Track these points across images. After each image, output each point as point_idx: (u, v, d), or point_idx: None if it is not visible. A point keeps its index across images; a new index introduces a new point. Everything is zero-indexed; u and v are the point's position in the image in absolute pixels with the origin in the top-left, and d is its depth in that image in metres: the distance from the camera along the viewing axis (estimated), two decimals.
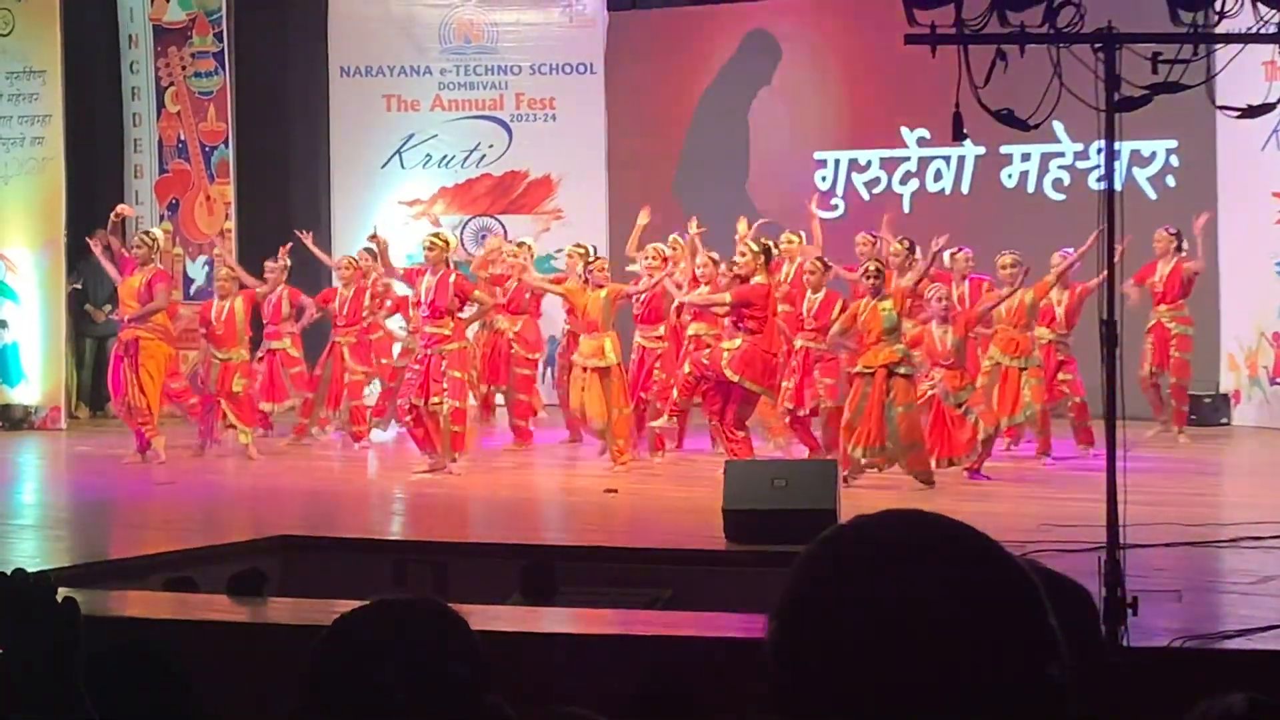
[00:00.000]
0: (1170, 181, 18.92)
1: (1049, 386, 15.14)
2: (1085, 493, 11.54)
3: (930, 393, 13.94)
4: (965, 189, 19.93)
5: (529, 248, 17.16)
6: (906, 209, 19.75)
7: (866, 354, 13.54)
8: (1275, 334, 17.68)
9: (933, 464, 13.53)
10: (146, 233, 16.52)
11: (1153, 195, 18.69)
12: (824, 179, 20.51)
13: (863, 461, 13.38)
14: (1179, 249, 16.21)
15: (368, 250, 17.03)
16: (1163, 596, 8.21)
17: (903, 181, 20.22)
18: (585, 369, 15.06)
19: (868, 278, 13.82)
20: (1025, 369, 14.67)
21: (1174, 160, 18.94)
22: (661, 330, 15.64)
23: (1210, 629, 7.71)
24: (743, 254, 14.64)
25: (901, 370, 13.39)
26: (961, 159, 19.83)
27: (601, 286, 15.24)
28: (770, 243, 15.01)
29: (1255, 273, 17.66)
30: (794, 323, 15.19)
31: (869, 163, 20.41)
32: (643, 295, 15.50)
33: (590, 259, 15.62)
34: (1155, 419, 16.42)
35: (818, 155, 20.57)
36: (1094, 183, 17.71)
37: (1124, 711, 3.91)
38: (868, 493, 12.77)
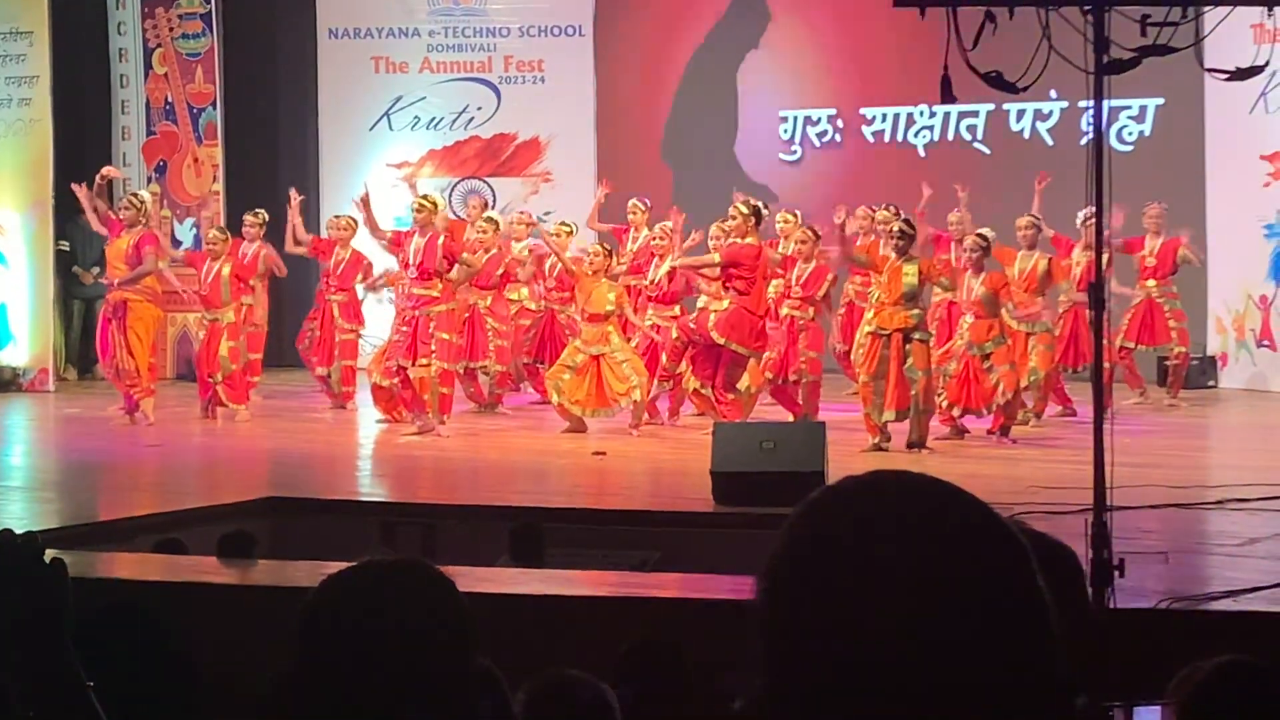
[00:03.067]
0: (1150, 136, 18.92)
1: (1074, 348, 15.24)
2: (1073, 455, 11.57)
3: (959, 344, 13.97)
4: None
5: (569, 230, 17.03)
6: (878, 168, 19.77)
7: (881, 314, 13.52)
8: (1262, 297, 17.71)
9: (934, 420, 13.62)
10: (134, 195, 16.48)
11: (1127, 148, 18.69)
12: (822, 135, 20.52)
13: (891, 422, 13.40)
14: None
15: (350, 218, 16.95)
16: (1149, 558, 8.24)
17: (880, 140, 20.23)
18: (584, 354, 14.96)
19: (893, 238, 13.75)
20: (1033, 333, 14.73)
21: (1158, 119, 18.95)
22: (676, 310, 15.56)
23: (1196, 591, 7.74)
24: (733, 216, 14.62)
25: (917, 335, 13.37)
26: (947, 115, 19.83)
27: (610, 276, 15.10)
28: (760, 204, 15.00)
29: (1242, 236, 17.68)
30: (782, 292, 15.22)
31: (848, 124, 20.41)
32: (654, 279, 15.47)
33: (596, 250, 15.42)
34: (1132, 390, 16.37)
35: (811, 113, 20.56)
36: (1085, 126, 17.70)
37: (1111, 672, 3.93)
38: (857, 455, 12.78)
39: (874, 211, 16.31)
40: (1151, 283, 16.20)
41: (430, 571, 2.59)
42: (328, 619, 2.51)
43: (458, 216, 18.34)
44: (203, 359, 16.20)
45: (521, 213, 17.90)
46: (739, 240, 14.56)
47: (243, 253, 16.45)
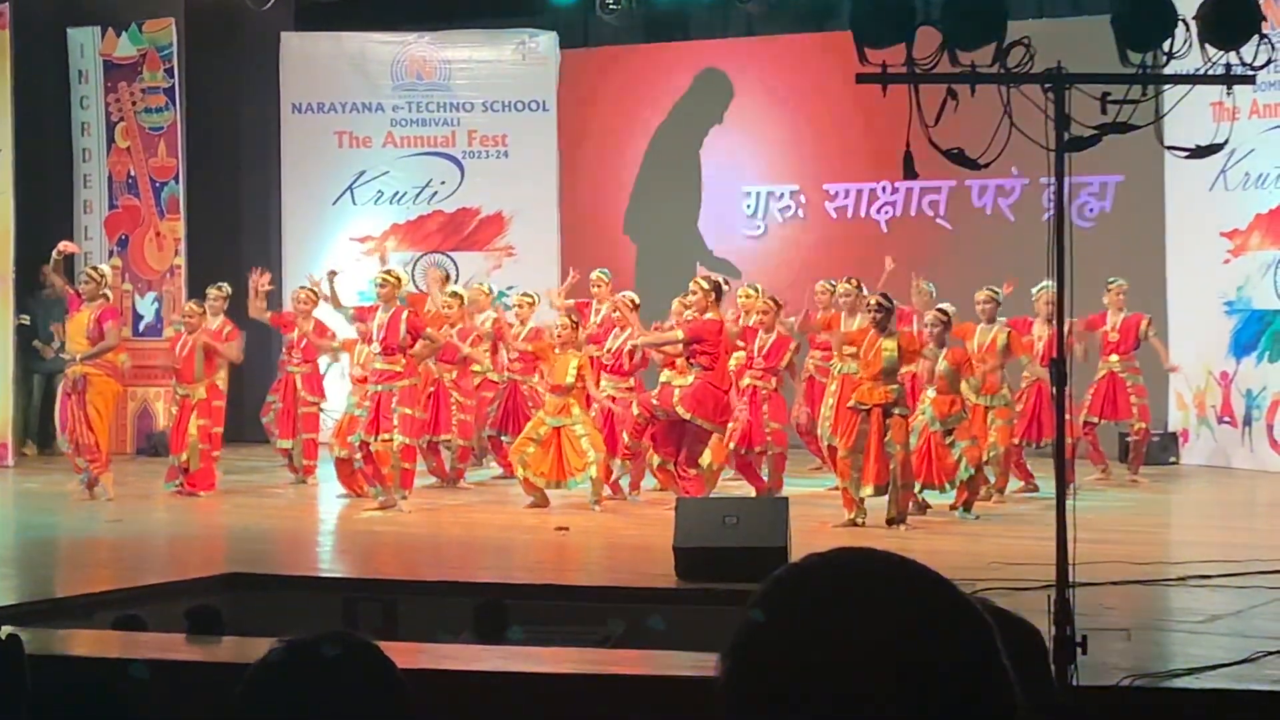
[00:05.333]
0: (1111, 213, 19.02)
1: (1037, 423, 15.29)
2: (1035, 531, 11.57)
3: (920, 419, 13.96)
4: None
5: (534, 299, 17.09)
6: (841, 244, 19.84)
7: (860, 389, 13.53)
8: (1223, 373, 17.78)
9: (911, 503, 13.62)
10: (94, 269, 16.42)
11: (1088, 225, 18.78)
12: (785, 210, 20.59)
13: (869, 498, 13.37)
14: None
15: (311, 290, 16.91)
16: (1112, 635, 8.23)
17: (843, 215, 20.30)
18: (546, 424, 14.95)
19: (871, 312, 13.78)
20: (992, 407, 14.74)
21: (1118, 196, 19.06)
22: (631, 382, 15.55)
23: (1159, 668, 7.73)
24: (694, 291, 14.64)
25: (896, 410, 13.36)
26: (910, 191, 19.96)
27: (570, 346, 15.08)
28: (720, 279, 15.04)
29: (1203, 312, 17.76)
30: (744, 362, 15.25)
31: (811, 199, 20.49)
32: (611, 349, 15.47)
33: (564, 323, 15.38)
34: (1095, 466, 16.37)
35: (774, 189, 20.63)
36: (1046, 202, 17.80)
37: None
38: (821, 531, 12.76)
39: (833, 286, 16.36)
40: (1114, 358, 16.25)
41: (355, 644, 2.55)
42: (255, 705, 2.46)
43: (418, 289, 18.34)
44: (174, 436, 16.14)
45: (480, 284, 17.92)
46: (700, 315, 14.58)
47: (217, 328, 16.38)
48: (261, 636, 8.27)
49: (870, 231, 20.13)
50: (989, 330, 14.83)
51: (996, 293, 15.02)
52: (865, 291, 15.40)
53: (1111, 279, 16.14)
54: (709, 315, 14.54)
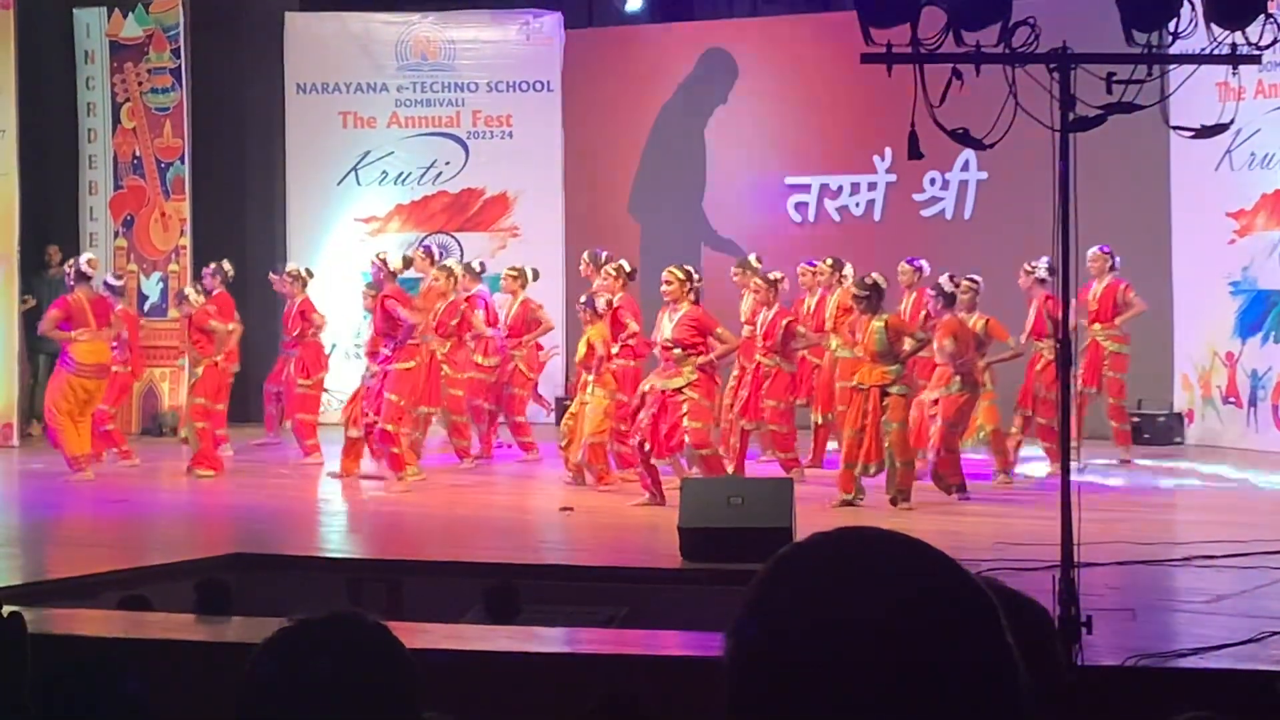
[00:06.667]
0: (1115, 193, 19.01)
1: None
2: (1040, 511, 11.57)
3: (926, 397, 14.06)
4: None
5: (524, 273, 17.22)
6: (845, 223, 19.81)
7: (861, 370, 13.55)
8: (1228, 354, 17.76)
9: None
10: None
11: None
12: (791, 190, 20.56)
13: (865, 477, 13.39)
14: (1112, 268, 16.21)
15: (290, 274, 17.09)
16: (1117, 615, 8.23)
17: (846, 194, 20.28)
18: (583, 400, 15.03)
19: (855, 300, 13.79)
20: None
21: (1123, 178, 19.03)
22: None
23: (1163, 648, 7.73)
24: (669, 282, 14.20)
25: (895, 389, 13.35)
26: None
27: (589, 323, 15.07)
28: (691, 269, 14.62)
29: (1209, 292, 17.74)
30: (749, 342, 15.24)
31: (816, 185, 20.46)
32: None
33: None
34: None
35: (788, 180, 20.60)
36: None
37: None
38: (824, 511, 12.76)
39: (814, 266, 16.36)
40: (1097, 327, 16.11)
41: (366, 624, 2.55)
42: (267, 681, 2.46)
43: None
44: (182, 415, 16.44)
45: (465, 263, 17.94)
46: (690, 306, 14.22)
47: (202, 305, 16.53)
48: (267, 616, 8.30)
49: (872, 211, 20.09)
50: (969, 319, 14.74)
51: (976, 281, 14.98)
52: (848, 270, 15.54)
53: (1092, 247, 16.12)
54: (686, 304, 14.14)
